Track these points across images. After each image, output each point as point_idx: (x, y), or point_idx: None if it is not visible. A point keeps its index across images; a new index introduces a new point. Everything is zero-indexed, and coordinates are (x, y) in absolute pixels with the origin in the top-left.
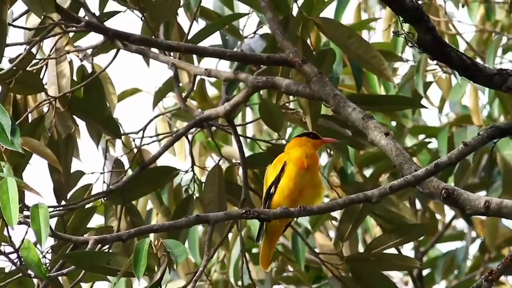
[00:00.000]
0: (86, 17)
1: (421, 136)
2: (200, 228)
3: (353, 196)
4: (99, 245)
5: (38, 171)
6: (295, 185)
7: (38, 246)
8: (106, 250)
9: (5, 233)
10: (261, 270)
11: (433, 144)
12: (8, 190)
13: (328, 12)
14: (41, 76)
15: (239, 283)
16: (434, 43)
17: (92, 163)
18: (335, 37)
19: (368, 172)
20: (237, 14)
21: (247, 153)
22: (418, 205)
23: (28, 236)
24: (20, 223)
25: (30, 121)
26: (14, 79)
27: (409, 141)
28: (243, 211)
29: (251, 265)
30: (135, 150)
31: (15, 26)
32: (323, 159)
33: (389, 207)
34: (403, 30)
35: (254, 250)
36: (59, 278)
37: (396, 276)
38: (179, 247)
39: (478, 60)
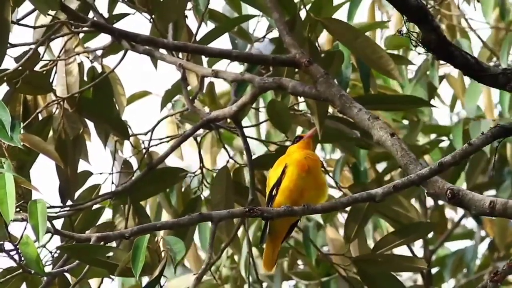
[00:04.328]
0: (94, 18)
1: (432, 136)
2: None
3: (356, 195)
4: (102, 243)
5: (49, 172)
6: (296, 187)
7: (45, 244)
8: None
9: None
10: None
11: (444, 143)
12: (6, 186)
13: (341, 11)
14: (51, 77)
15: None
16: (438, 43)
17: (101, 164)
18: (342, 37)
19: (381, 167)
20: (246, 16)
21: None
22: (428, 203)
23: (30, 233)
24: (22, 220)
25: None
26: (21, 79)
27: (422, 140)
28: (247, 209)
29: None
30: (144, 151)
31: (20, 25)
32: (336, 155)
33: (395, 207)
34: (407, 29)
35: None
36: (67, 276)
37: (405, 274)
38: (179, 243)
39: (494, 59)
